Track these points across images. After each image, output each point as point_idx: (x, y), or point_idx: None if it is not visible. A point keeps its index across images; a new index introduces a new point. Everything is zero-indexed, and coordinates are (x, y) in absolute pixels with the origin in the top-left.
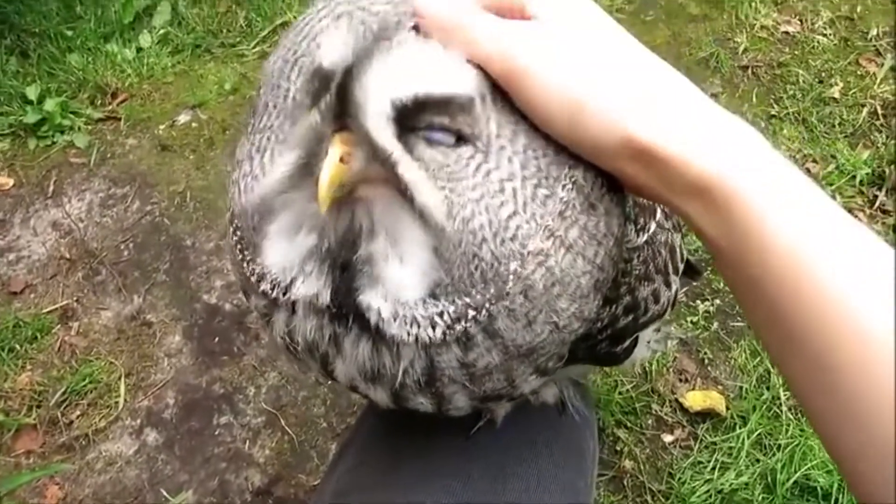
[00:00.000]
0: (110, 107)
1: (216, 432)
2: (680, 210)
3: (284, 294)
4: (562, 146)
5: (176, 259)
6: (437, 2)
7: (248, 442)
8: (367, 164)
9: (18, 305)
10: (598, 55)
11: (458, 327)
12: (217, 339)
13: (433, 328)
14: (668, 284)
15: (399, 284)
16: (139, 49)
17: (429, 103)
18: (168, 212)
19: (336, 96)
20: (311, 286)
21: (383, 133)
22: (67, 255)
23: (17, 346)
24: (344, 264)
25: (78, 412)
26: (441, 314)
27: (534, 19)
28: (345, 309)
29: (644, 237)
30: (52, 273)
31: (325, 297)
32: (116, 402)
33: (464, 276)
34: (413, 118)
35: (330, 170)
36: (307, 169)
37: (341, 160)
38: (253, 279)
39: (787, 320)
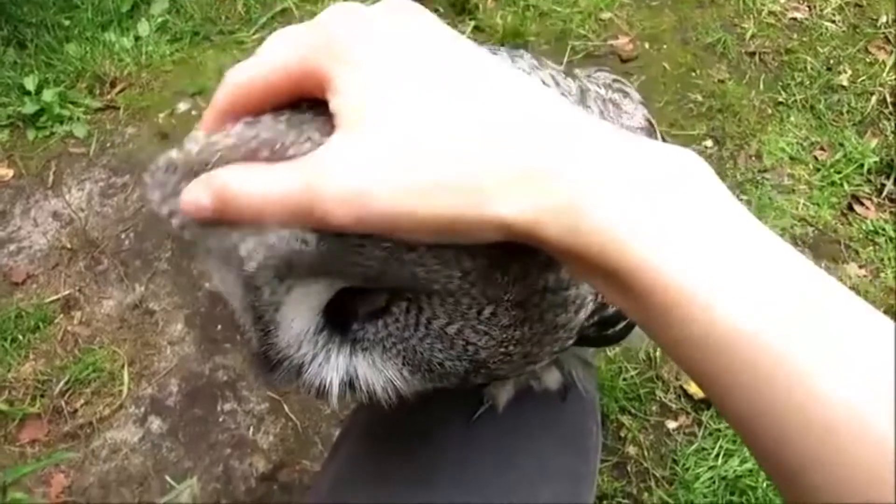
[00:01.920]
0: (109, 96)
1: (220, 419)
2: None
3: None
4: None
5: (177, 247)
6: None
7: (251, 428)
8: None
9: (20, 296)
10: (430, 132)
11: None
12: (219, 326)
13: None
14: None
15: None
16: (137, 37)
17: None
18: None
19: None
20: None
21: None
22: (68, 245)
23: (20, 336)
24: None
25: (82, 401)
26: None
27: (338, 114)
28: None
29: None
30: (54, 263)
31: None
32: (120, 391)
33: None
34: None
35: None
36: None
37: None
38: None
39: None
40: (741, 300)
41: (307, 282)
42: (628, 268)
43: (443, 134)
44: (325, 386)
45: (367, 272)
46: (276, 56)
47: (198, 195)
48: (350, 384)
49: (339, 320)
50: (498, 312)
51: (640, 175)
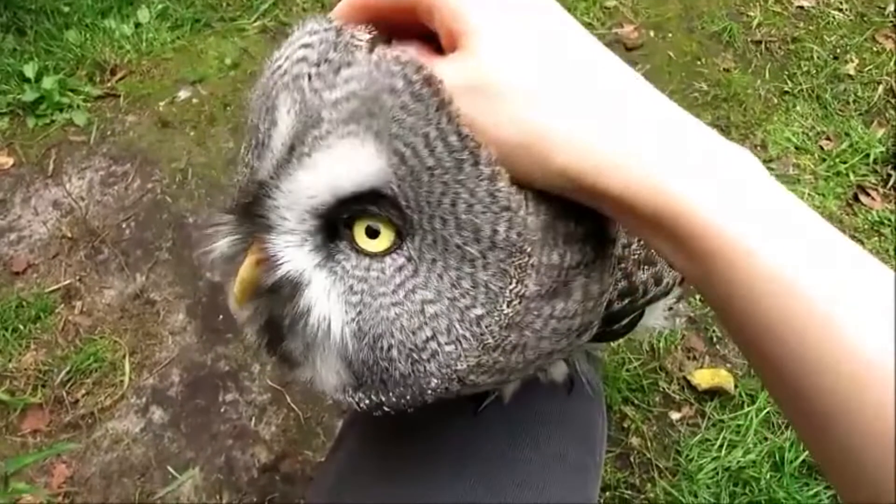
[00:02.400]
0: (109, 84)
1: (222, 409)
2: (646, 241)
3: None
4: (502, 254)
5: (178, 237)
6: None
7: (254, 419)
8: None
9: (21, 285)
10: (528, 84)
11: (375, 412)
12: (221, 316)
13: (355, 405)
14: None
15: (320, 374)
16: (137, 24)
17: (356, 200)
18: (170, 189)
19: (247, 206)
20: (255, 339)
21: (292, 250)
22: (69, 235)
23: (21, 327)
24: (278, 340)
25: (83, 391)
26: (359, 402)
27: (463, 46)
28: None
29: None
30: (54, 252)
31: (270, 356)
32: (121, 381)
33: (375, 383)
34: (346, 216)
35: (242, 274)
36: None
37: (259, 263)
38: None
39: (780, 358)
40: (783, 252)
41: (357, 140)
42: (683, 218)
43: (519, 88)
44: (275, 264)
45: (417, 166)
46: None
47: None
48: (294, 289)
49: (332, 227)
50: (499, 310)
51: (710, 156)
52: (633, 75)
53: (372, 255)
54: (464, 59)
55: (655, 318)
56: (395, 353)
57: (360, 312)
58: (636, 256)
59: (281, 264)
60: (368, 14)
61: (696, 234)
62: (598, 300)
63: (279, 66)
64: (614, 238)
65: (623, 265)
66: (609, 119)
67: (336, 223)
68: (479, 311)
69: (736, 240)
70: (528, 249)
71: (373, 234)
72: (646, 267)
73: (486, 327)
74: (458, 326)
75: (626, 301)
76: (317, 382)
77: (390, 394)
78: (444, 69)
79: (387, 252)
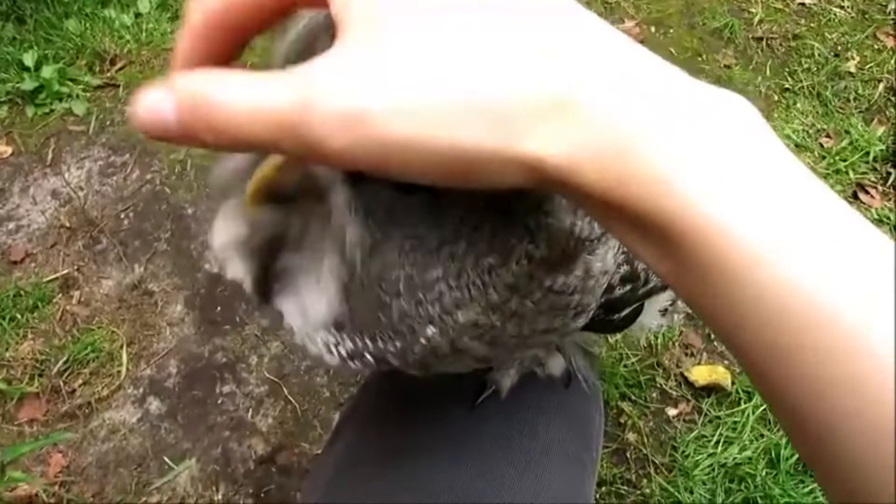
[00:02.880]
0: (109, 73)
1: (219, 401)
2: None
3: (223, 271)
4: (537, 200)
5: (177, 228)
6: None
7: (250, 411)
8: (311, 178)
9: (19, 275)
10: (463, 70)
11: (354, 365)
12: (219, 308)
13: (329, 354)
14: None
15: (310, 300)
16: (137, 14)
17: None
18: (168, 180)
19: None
20: (237, 271)
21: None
22: (67, 224)
23: (18, 316)
24: (267, 265)
25: (80, 381)
26: (337, 345)
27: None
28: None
29: None
30: (52, 242)
31: (248, 287)
32: (119, 371)
33: (368, 321)
34: None
35: (262, 173)
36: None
37: (281, 167)
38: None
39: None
40: (798, 264)
41: None
42: (677, 218)
43: (467, 48)
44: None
45: None
46: None
47: (159, 102)
48: (325, 190)
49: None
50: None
51: (695, 120)
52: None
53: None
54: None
55: (652, 315)
56: (400, 286)
57: (374, 236)
58: None
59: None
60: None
61: (699, 243)
62: (598, 280)
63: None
64: None
65: (625, 248)
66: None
67: None
68: (492, 260)
69: (751, 250)
70: (547, 208)
71: None
72: None
73: (496, 278)
74: (470, 272)
75: (628, 287)
76: (301, 316)
77: (378, 340)
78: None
79: (411, 191)
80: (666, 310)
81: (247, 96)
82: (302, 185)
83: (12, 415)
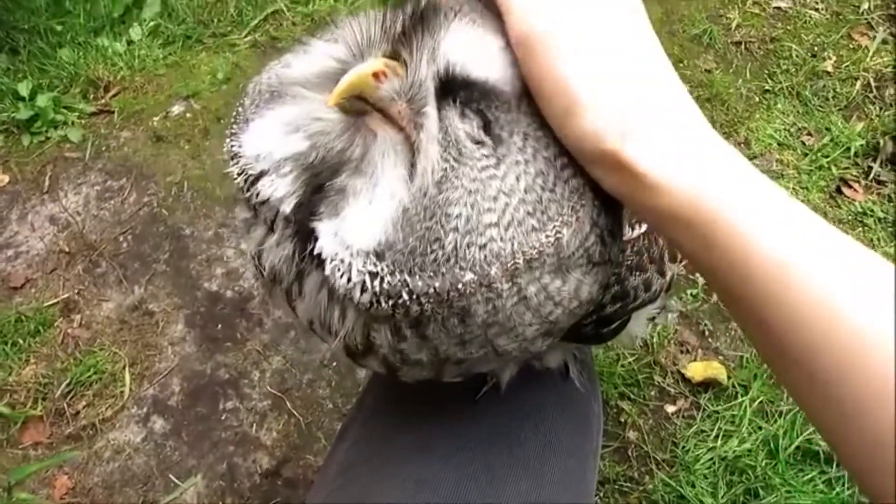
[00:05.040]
0: (103, 100)
1: (223, 417)
2: (659, 227)
3: (247, 186)
4: (567, 191)
5: (175, 248)
6: None
7: (254, 425)
8: (395, 99)
9: (20, 300)
10: (611, 52)
11: (385, 305)
12: (220, 325)
13: (362, 290)
14: (662, 273)
15: (355, 225)
16: (130, 42)
17: (475, 89)
18: (165, 202)
19: (409, 21)
20: (279, 189)
21: (430, 77)
22: (66, 249)
23: (21, 341)
24: (318, 185)
25: (84, 402)
26: (375, 277)
27: None
28: (300, 230)
29: (639, 230)
30: (52, 267)
31: (288, 207)
32: (122, 392)
33: (416, 251)
34: (455, 96)
35: (357, 74)
36: (339, 76)
37: (375, 76)
38: (227, 156)
39: (779, 336)
40: (778, 234)
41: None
42: (715, 217)
43: (608, 55)
44: (418, 73)
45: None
46: None
47: None
48: (414, 103)
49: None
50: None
51: (733, 161)
52: (677, 76)
53: (470, 130)
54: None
55: (639, 325)
56: (459, 223)
57: (446, 170)
58: (629, 262)
59: (420, 77)
60: None
61: (729, 242)
62: (581, 305)
63: None
64: (618, 261)
65: (617, 270)
66: (647, 101)
67: (447, 95)
68: (534, 222)
69: (771, 249)
70: (584, 201)
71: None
72: (637, 273)
73: (533, 242)
74: (515, 227)
75: (618, 305)
76: (342, 242)
77: (418, 276)
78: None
79: (478, 141)
80: (653, 318)
81: None
82: (383, 101)
83: (16, 439)
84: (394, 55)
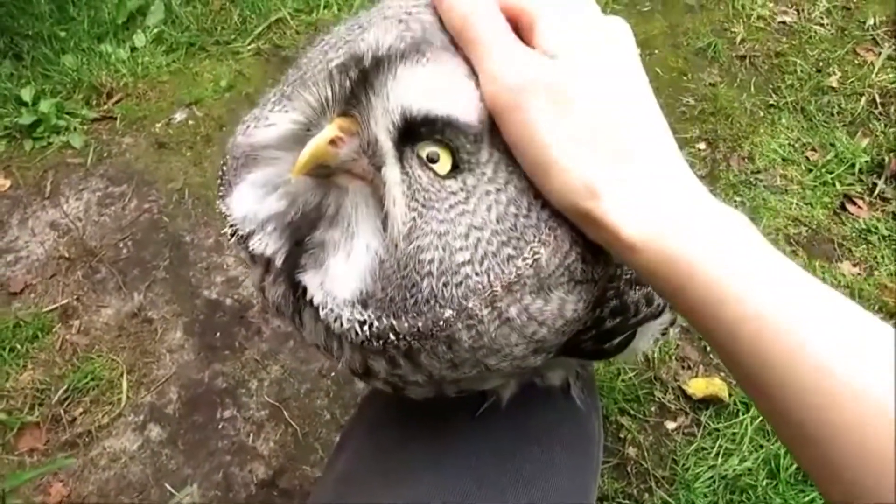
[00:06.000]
0: (106, 106)
1: (220, 426)
2: (643, 279)
3: (243, 243)
4: (543, 213)
5: (175, 256)
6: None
7: (251, 435)
8: (356, 157)
9: (18, 305)
10: (588, 106)
11: (376, 344)
12: (218, 334)
13: (354, 333)
14: None
15: (336, 278)
16: (133, 48)
17: (437, 124)
18: (166, 209)
19: (355, 81)
20: (269, 246)
21: (384, 132)
22: (66, 255)
23: (19, 346)
24: (298, 240)
25: (81, 409)
26: (363, 324)
27: (540, 49)
28: (294, 280)
29: None
30: (52, 273)
31: (279, 261)
32: (119, 399)
33: (396, 298)
34: (417, 134)
35: (315, 144)
36: (305, 136)
37: (332, 142)
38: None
39: (775, 397)
40: (759, 292)
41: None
42: (693, 274)
43: (586, 118)
44: (372, 133)
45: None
46: None
47: None
48: (370, 163)
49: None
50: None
51: (715, 220)
52: (665, 128)
53: (435, 173)
54: (544, 60)
55: (646, 341)
56: (433, 267)
57: (414, 219)
58: (628, 276)
59: (375, 137)
60: None
61: (711, 299)
62: (567, 323)
63: (369, 15)
64: (601, 282)
65: (615, 284)
66: (625, 160)
67: (410, 134)
68: (510, 250)
69: (751, 305)
70: (562, 219)
71: (432, 159)
72: (637, 287)
73: (511, 268)
74: (490, 259)
75: (618, 320)
76: (328, 293)
77: (403, 318)
78: (526, 59)
79: (446, 176)
80: (663, 333)
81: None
82: (346, 163)
83: (12, 445)
84: (348, 113)
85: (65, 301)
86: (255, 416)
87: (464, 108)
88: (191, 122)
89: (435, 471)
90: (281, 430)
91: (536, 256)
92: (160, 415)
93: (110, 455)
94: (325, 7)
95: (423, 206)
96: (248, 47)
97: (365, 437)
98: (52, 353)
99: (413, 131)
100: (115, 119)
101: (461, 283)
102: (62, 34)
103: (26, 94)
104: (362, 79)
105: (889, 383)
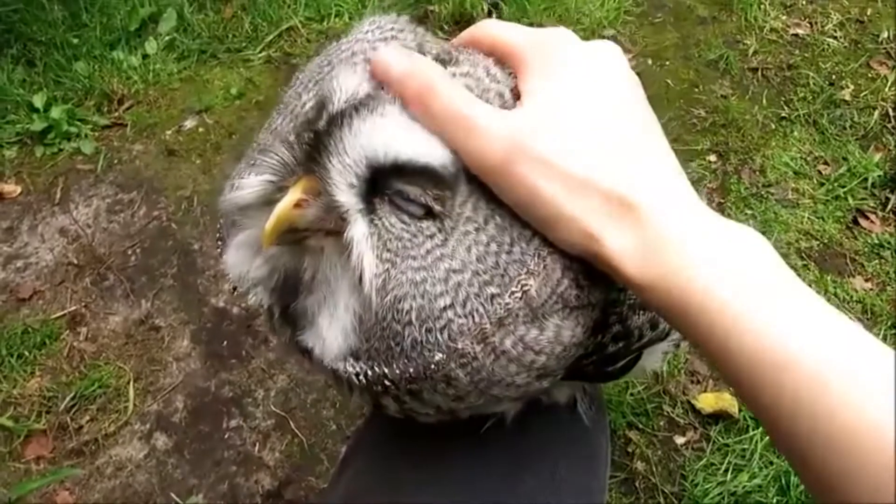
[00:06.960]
0: (116, 113)
1: (226, 436)
2: (659, 315)
3: (243, 297)
4: (531, 246)
5: (184, 263)
6: (404, 62)
7: (257, 445)
8: (325, 215)
9: (27, 312)
10: (587, 147)
11: (377, 387)
12: (225, 342)
13: (356, 380)
14: None
15: (324, 339)
16: (145, 56)
17: (406, 170)
18: (175, 217)
19: (311, 144)
20: (265, 301)
21: (344, 189)
22: (75, 261)
23: (26, 353)
24: (286, 305)
25: (87, 417)
26: (358, 374)
27: (527, 95)
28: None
29: None
30: (60, 279)
31: (277, 314)
32: (126, 407)
33: (381, 348)
34: (388, 181)
35: (280, 211)
36: (278, 198)
37: (298, 205)
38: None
39: (786, 428)
40: (771, 327)
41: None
42: (694, 304)
43: (592, 154)
44: (329, 198)
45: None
46: (514, 32)
47: (397, 58)
48: (336, 227)
49: (376, 183)
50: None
51: (725, 247)
52: (666, 151)
53: (411, 215)
54: (524, 119)
55: (654, 360)
56: (412, 316)
57: (387, 270)
58: (631, 301)
59: (333, 197)
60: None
61: (727, 333)
62: (567, 349)
63: (352, 41)
64: (601, 306)
65: (618, 309)
66: (624, 200)
67: (380, 182)
68: (494, 289)
69: (764, 342)
70: (545, 253)
71: (409, 198)
72: (641, 312)
73: (497, 306)
74: (473, 300)
75: (621, 345)
76: (320, 349)
77: (394, 365)
78: (503, 125)
79: (423, 217)
80: (676, 346)
81: (455, 99)
82: (315, 222)
83: (19, 452)
84: (311, 170)
85: (73, 308)
86: (261, 426)
87: (437, 147)
88: (201, 129)
89: (437, 489)
90: (287, 441)
91: (526, 288)
92: (166, 423)
93: (116, 463)
94: (336, 16)
95: (397, 255)
96: (259, 55)
97: (369, 458)
98: (59, 360)
99: (384, 178)
100: (126, 126)
101: (445, 327)
102: (75, 41)
103: (38, 101)
104: (316, 142)
105: None
